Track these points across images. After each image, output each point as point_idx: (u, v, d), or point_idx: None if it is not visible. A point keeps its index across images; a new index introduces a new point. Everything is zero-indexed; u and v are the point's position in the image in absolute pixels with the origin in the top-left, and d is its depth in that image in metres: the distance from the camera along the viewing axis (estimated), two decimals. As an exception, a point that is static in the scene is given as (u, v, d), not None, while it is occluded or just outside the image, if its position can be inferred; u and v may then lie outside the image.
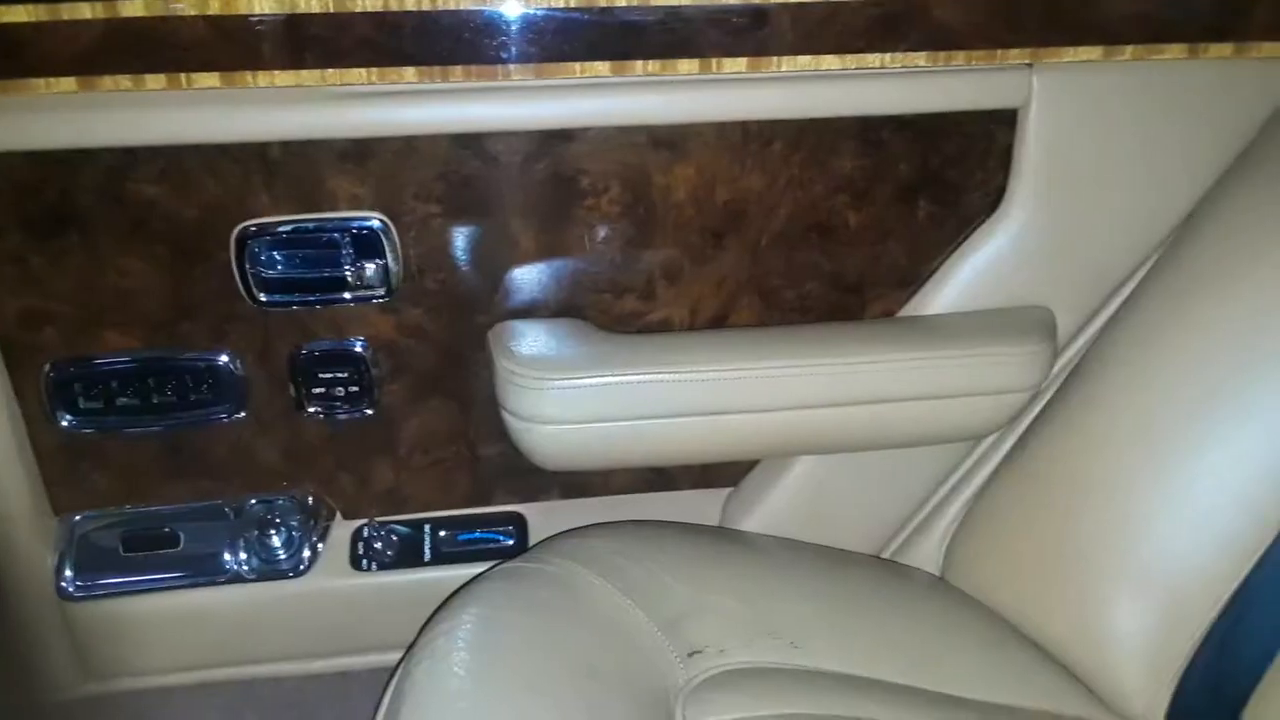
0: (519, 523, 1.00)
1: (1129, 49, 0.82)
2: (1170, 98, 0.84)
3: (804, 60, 0.80)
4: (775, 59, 0.80)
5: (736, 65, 0.79)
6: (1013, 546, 0.89)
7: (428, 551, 0.99)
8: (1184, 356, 0.80)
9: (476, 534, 0.99)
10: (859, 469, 0.95)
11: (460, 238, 0.86)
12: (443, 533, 0.99)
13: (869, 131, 0.85)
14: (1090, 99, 0.84)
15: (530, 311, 0.90)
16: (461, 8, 0.75)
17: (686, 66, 0.79)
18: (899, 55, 0.80)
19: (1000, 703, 0.79)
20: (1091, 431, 0.84)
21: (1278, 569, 0.73)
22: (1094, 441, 0.84)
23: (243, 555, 0.96)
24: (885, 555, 1.00)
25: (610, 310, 0.90)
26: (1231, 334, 0.77)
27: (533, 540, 1.00)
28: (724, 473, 1.00)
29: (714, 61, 0.79)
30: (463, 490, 0.99)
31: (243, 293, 0.85)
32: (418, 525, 1.00)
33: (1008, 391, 0.87)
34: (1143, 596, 0.79)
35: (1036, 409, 0.92)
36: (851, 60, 0.80)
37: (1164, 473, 0.79)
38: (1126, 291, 0.89)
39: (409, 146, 0.82)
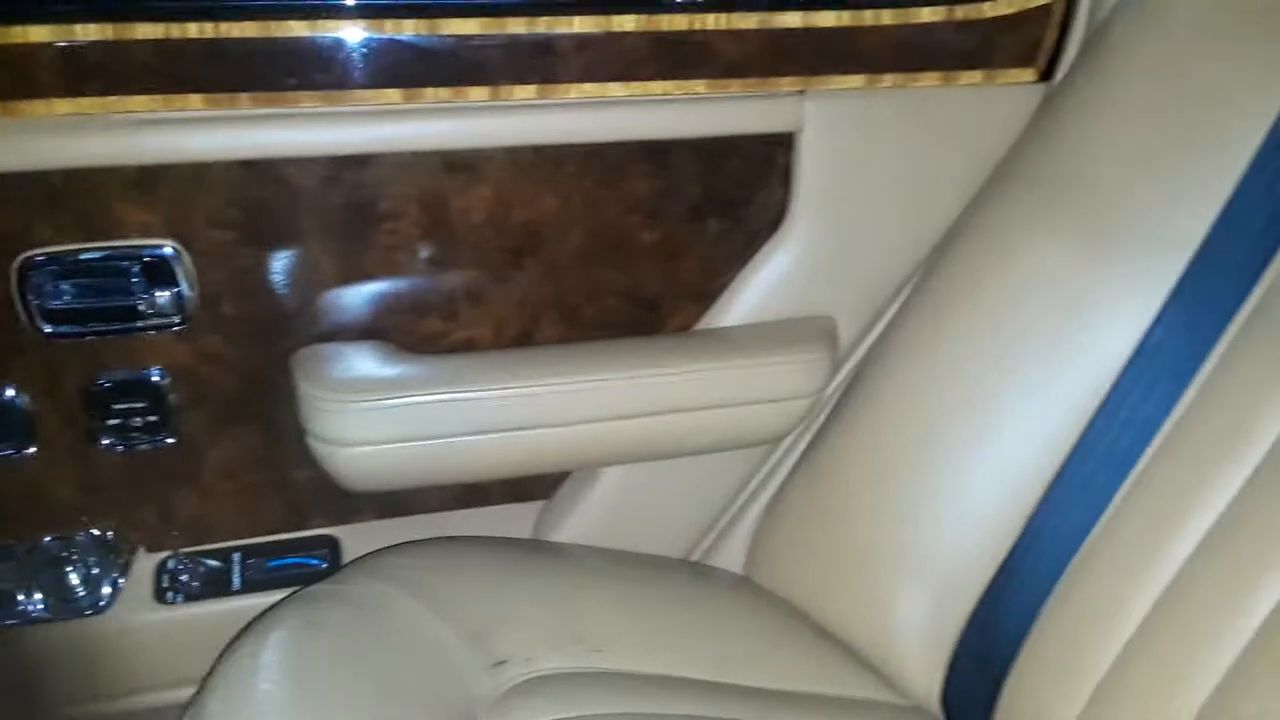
0: (332, 546, 1.00)
1: (889, 77, 0.89)
2: (929, 121, 0.92)
3: (590, 87, 0.84)
4: (563, 86, 0.83)
5: (526, 92, 0.82)
6: (807, 544, 0.95)
7: (237, 580, 0.97)
8: (945, 360, 0.87)
9: (288, 560, 0.99)
10: (663, 476, 0.99)
11: (258, 263, 0.86)
12: (253, 560, 0.98)
13: (657, 154, 0.90)
14: (858, 123, 0.91)
15: (334, 335, 0.90)
16: (247, 35, 0.76)
17: (477, 94, 0.82)
18: (681, 83, 0.85)
19: (797, 691, 0.84)
20: (870, 432, 0.91)
21: (1028, 554, 0.81)
22: (872, 442, 0.90)
23: (37, 595, 0.93)
24: (693, 558, 1.05)
25: (414, 331, 0.92)
26: (983, 339, 0.85)
27: (348, 562, 1.00)
28: (536, 486, 1.03)
29: (504, 89, 0.82)
30: (273, 516, 0.98)
31: (26, 325, 0.83)
32: (226, 554, 0.98)
33: (793, 398, 0.93)
34: (919, 584, 0.86)
35: (826, 412, 0.98)
36: (636, 88, 0.84)
37: (932, 468, 0.86)
38: (901, 300, 0.96)
39: (199, 173, 0.81)
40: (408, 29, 0.79)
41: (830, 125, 0.90)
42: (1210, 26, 0.79)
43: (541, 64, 0.82)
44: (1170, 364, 0.75)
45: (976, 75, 0.91)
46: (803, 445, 1.00)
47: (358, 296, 0.89)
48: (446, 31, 0.80)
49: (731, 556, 1.03)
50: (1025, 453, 0.82)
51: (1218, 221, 0.75)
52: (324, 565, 0.99)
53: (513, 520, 1.03)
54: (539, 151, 0.87)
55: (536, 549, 0.96)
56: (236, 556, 0.98)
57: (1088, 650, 0.73)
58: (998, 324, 0.84)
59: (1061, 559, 0.78)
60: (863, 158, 0.92)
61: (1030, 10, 0.89)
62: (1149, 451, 0.74)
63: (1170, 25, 0.81)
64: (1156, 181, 0.79)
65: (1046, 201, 0.85)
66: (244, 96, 0.77)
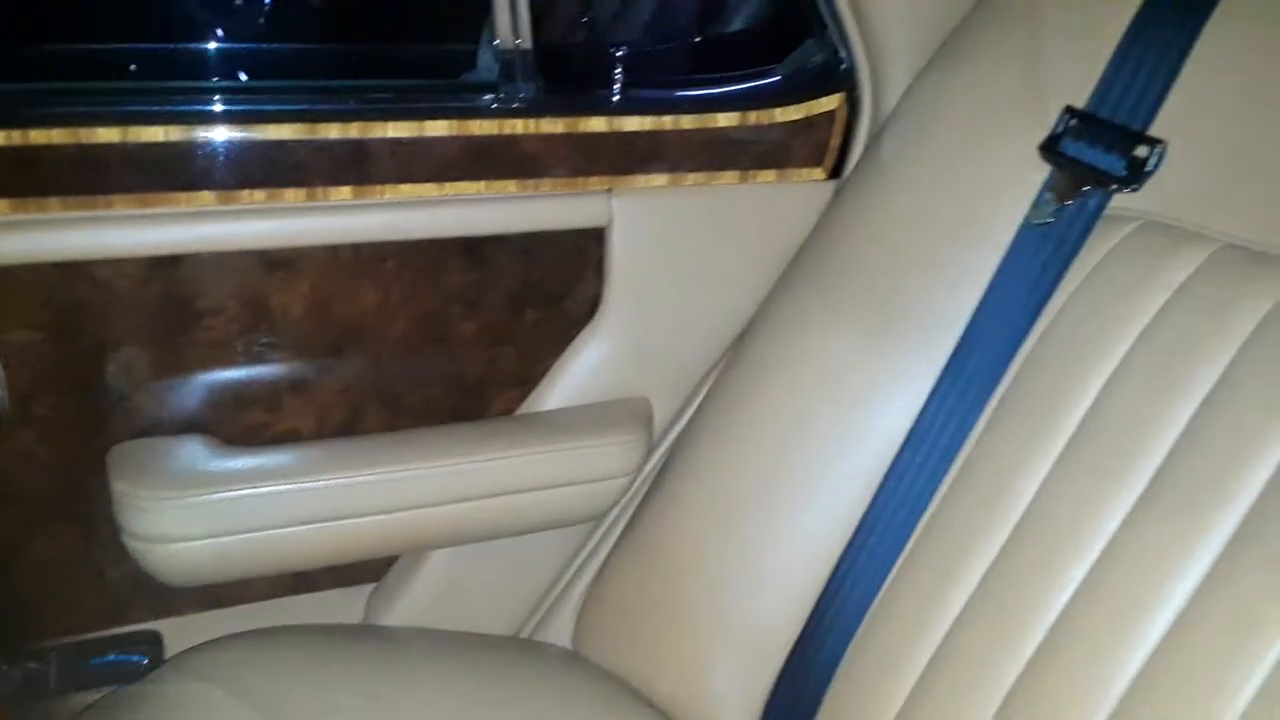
0: (155, 641, 0.99)
1: (691, 176, 0.96)
2: (730, 215, 0.99)
3: (405, 188, 0.87)
4: (379, 187, 0.87)
5: (342, 194, 0.86)
6: (630, 616, 0.99)
7: (54, 679, 0.96)
8: (748, 439, 0.93)
9: (109, 657, 0.97)
10: (491, 556, 1.02)
11: (71, 362, 0.86)
12: (72, 659, 0.96)
13: (474, 249, 0.94)
14: (664, 217, 0.97)
15: (152, 430, 0.90)
16: (54, 142, 0.77)
17: (293, 195, 0.85)
18: (492, 183, 0.90)
19: None
20: (683, 508, 0.96)
21: (826, 616, 0.87)
22: (686, 517, 0.95)
23: None
24: (523, 634, 1.08)
25: (236, 424, 0.93)
26: (781, 419, 0.91)
27: (169, 658, 0.99)
28: (365, 570, 1.04)
29: (320, 190, 0.85)
30: (93, 613, 0.97)
31: None
32: (43, 654, 0.96)
33: (610, 478, 0.98)
34: (731, 650, 0.91)
35: (645, 488, 1.03)
36: (449, 188, 0.89)
37: (739, 540, 0.91)
38: (710, 381, 1.02)
39: (6, 275, 0.81)
40: (223, 134, 0.82)
41: (638, 220, 0.96)
42: (971, 130, 0.88)
43: (357, 167, 0.85)
44: (939, 440, 0.83)
45: (771, 174, 0.98)
46: (625, 521, 1.04)
47: (176, 392, 0.90)
48: (262, 136, 0.83)
49: (560, 631, 1.06)
50: (821, 523, 0.88)
51: (979, 308, 0.83)
52: (145, 661, 0.98)
53: (343, 605, 1.04)
54: (358, 248, 0.90)
55: (362, 634, 0.98)
56: (53, 655, 0.97)
57: (875, 704, 0.79)
58: (793, 404, 0.91)
59: (854, 620, 0.84)
60: (670, 249, 0.98)
61: (817, 115, 0.98)
62: (922, 522, 0.82)
63: (937, 129, 0.90)
64: (926, 271, 0.87)
65: (833, 290, 0.92)
66: (53, 200, 0.79)
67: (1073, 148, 0.80)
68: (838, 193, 0.99)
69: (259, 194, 0.84)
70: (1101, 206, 0.79)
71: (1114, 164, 0.78)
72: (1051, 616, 0.71)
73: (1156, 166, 0.76)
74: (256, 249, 0.87)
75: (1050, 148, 0.81)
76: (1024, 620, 0.72)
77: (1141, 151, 0.77)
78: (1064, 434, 0.75)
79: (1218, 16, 0.77)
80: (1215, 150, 0.75)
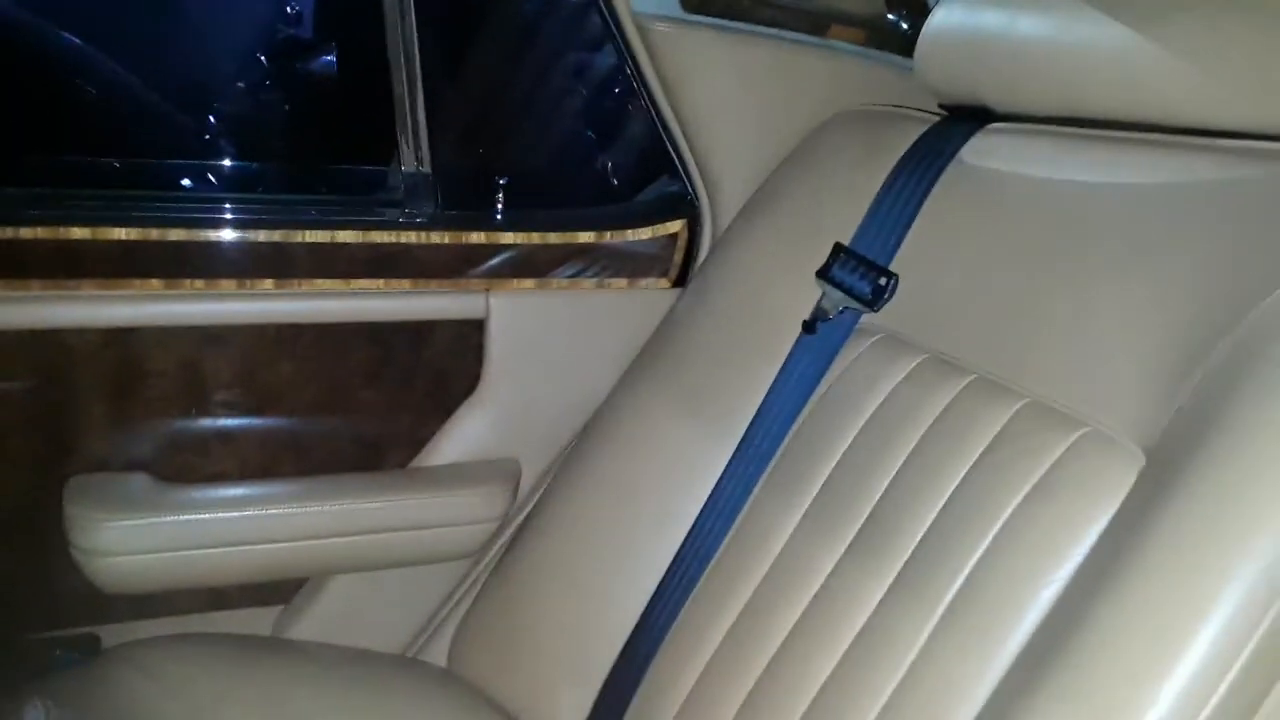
0: (94, 641, 1.18)
1: (556, 282, 1.18)
2: (589, 315, 1.21)
3: (319, 282, 1.10)
4: (297, 281, 1.09)
5: (266, 285, 1.08)
6: (495, 641, 1.19)
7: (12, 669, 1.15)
8: (593, 496, 1.14)
9: (57, 652, 1.17)
10: (381, 583, 1.22)
11: (41, 409, 1.08)
12: (25, 652, 1.16)
13: (375, 332, 1.16)
14: (534, 314, 1.19)
15: (102, 466, 1.11)
16: (38, 238, 1.00)
17: (226, 284, 1.07)
18: (390, 280, 1.12)
19: None
20: (542, 551, 1.16)
21: (637, 640, 1.06)
22: (540, 559, 1.16)
23: None
24: (409, 654, 1.27)
25: (172, 464, 1.14)
26: (619, 480, 1.12)
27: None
28: (276, 592, 1.24)
29: (249, 281, 1.07)
30: (44, 616, 1.17)
31: None
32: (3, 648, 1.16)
33: (478, 522, 1.18)
34: (570, 669, 1.10)
35: (512, 530, 1.24)
36: (354, 284, 1.11)
37: (580, 580, 1.11)
38: (571, 448, 1.23)
39: None
40: (173, 235, 1.04)
41: (511, 315, 1.18)
42: (770, 257, 1.10)
43: (279, 264, 1.08)
44: (727, 505, 1.03)
45: (623, 283, 1.21)
46: (496, 556, 1.25)
47: (124, 437, 1.12)
48: (203, 238, 1.05)
49: (440, 652, 1.26)
50: (640, 569, 1.08)
51: (765, 398, 1.04)
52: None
53: (255, 621, 1.24)
54: (279, 328, 1.12)
55: (267, 644, 1.18)
56: (11, 650, 1.16)
57: (663, 709, 0.98)
58: (626, 472, 1.12)
59: (656, 645, 1.03)
60: (538, 340, 1.20)
61: (663, 236, 1.21)
62: (709, 569, 1.02)
63: (747, 255, 1.12)
64: (731, 368, 1.08)
65: (665, 380, 1.14)
66: (34, 282, 1.01)
67: (838, 275, 1.02)
68: (680, 298, 1.21)
69: (199, 283, 1.06)
70: (854, 322, 1.01)
71: (864, 290, 1.00)
72: (774, 647, 0.90)
73: (891, 294, 0.98)
74: (195, 325, 1.09)
75: (823, 274, 1.03)
76: (758, 648, 0.92)
77: (883, 281, 0.98)
78: (807, 498, 0.95)
79: (943, 180, 1.00)
80: (932, 282, 0.97)
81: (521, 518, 1.24)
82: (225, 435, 1.15)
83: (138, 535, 1.06)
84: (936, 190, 0.99)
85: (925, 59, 1.00)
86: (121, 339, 1.07)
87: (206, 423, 1.14)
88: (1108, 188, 0.85)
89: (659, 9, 1.12)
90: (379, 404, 1.19)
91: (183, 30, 1.47)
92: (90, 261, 1.02)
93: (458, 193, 1.16)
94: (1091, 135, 0.89)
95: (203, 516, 1.07)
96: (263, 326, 1.12)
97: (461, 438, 1.21)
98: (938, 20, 0.99)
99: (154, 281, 1.04)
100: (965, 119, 1.01)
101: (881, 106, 1.11)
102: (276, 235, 1.07)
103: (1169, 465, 0.68)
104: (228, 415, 1.14)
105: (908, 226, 1.00)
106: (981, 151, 0.98)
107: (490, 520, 1.19)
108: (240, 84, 1.37)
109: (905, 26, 1.20)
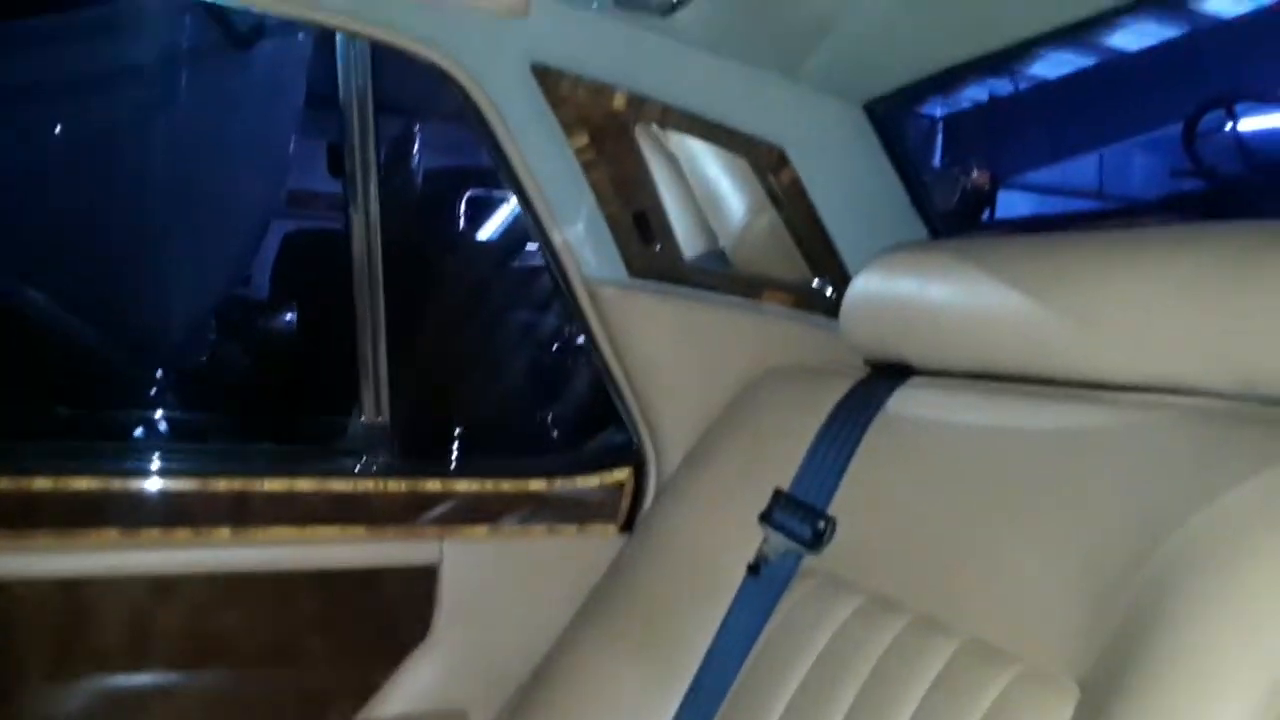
0: None
1: (508, 529, 1.22)
2: (540, 560, 1.24)
3: (275, 531, 1.12)
4: (253, 530, 1.11)
5: (221, 535, 1.10)
6: None
7: None
8: None
9: None
10: None
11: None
12: None
13: (327, 579, 1.17)
14: (486, 560, 1.22)
15: (37, 724, 1.08)
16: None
17: (182, 534, 1.08)
18: (345, 528, 1.15)
19: None
20: None
21: None
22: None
23: None
24: None
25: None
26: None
27: None
28: None
29: (204, 531, 1.09)
30: None
31: None
32: None
33: None
34: None
35: None
36: (309, 532, 1.13)
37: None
38: (523, 694, 1.22)
39: None
40: (131, 484, 1.07)
41: (464, 561, 1.20)
42: (713, 503, 1.15)
43: (236, 513, 1.10)
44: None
45: (573, 529, 1.25)
46: None
47: (63, 692, 1.09)
48: (163, 487, 1.08)
49: None
50: None
51: (714, 639, 1.06)
52: None
53: None
54: (230, 576, 1.13)
55: None
56: None
57: None
58: (580, 714, 1.11)
59: None
60: (490, 586, 1.22)
61: (611, 483, 1.26)
62: None
63: (691, 503, 1.17)
64: (680, 611, 1.10)
65: (614, 625, 1.15)
66: (-11, 534, 1.02)
67: (780, 519, 1.07)
68: (627, 544, 1.25)
69: (154, 532, 1.07)
70: (797, 565, 1.05)
71: (805, 533, 1.05)
72: None
73: (831, 537, 1.03)
74: (148, 575, 1.09)
75: (765, 519, 1.08)
76: None
77: (822, 525, 1.03)
78: None
79: (872, 430, 1.07)
80: (869, 525, 1.02)
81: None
82: (166, 691, 1.12)
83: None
84: (867, 439, 1.07)
85: (849, 321, 1.10)
86: (73, 589, 1.07)
87: (148, 678, 1.12)
88: (1021, 435, 0.93)
89: (607, 274, 1.22)
90: (327, 652, 1.18)
91: (145, 281, 1.55)
92: (48, 511, 1.03)
93: (415, 441, 1.21)
94: (1004, 388, 0.98)
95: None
96: (215, 575, 1.12)
97: (410, 687, 1.20)
98: (859, 287, 1.10)
99: (110, 532, 1.06)
100: (889, 374, 1.10)
101: (811, 365, 1.20)
102: (237, 484, 1.10)
103: (1102, 698, 0.71)
104: (170, 669, 1.12)
105: (842, 473, 1.07)
106: (906, 403, 1.06)
107: (436, 777, 1.16)
108: (211, 336, 1.43)
109: (830, 291, 1.32)
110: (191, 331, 1.48)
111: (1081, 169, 7.04)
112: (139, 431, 1.21)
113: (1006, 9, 1.07)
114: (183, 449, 1.16)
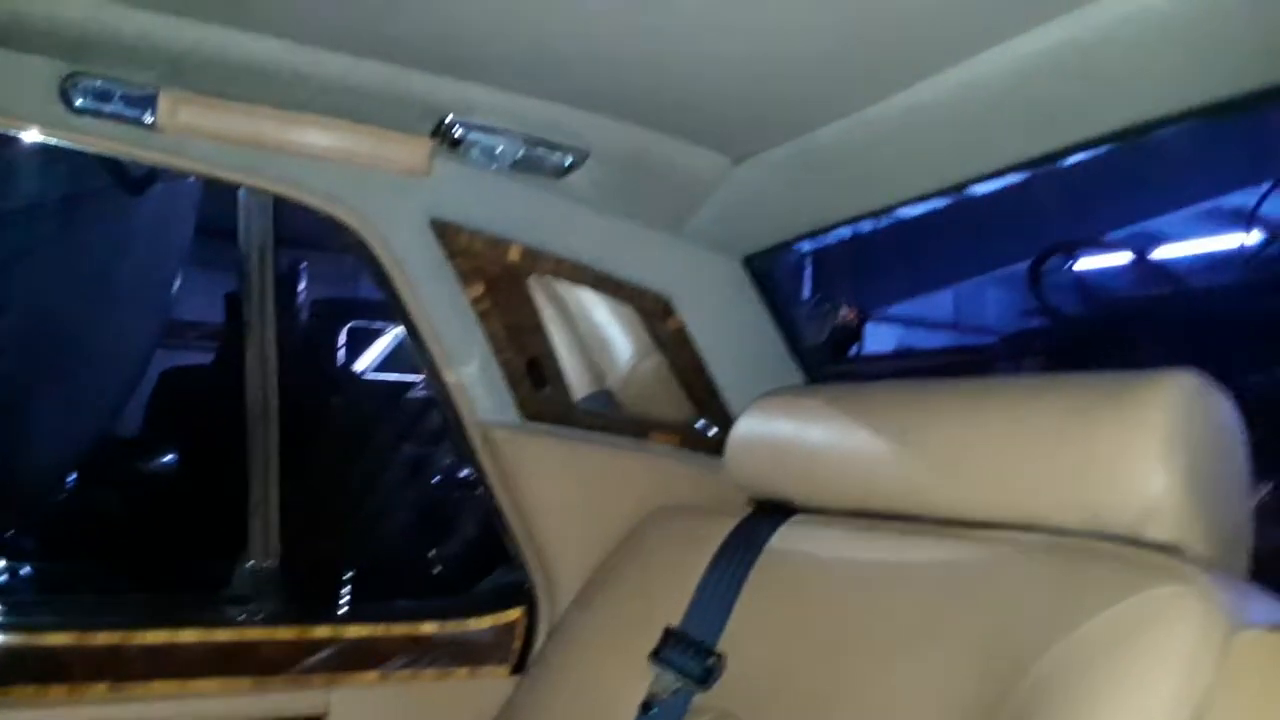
0: None
1: (399, 673, 1.20)
2: (431, 706, 1.23)
3: (155, 685, 1.08)
4: (131, 685, 1.07)
5: (98, 691, 1.06)
6: None
7: None
8: None
9: None
10: None
11: None
12: None
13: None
14: (375, 707, 1.20)
15: None
16: None
17: (57, 691, 1.04)
18: (228, 680, 1.12)
19: None
20: None
21: None
22: None
23: None
24: None
25: None
26: None
27: None
28: None
29: (80, 687, 1.05)
30: None
31: None
32: None
33: None
34: None
35: None
36: (192, 685, 1.10)
37: None
38: None
39: None
40: (3, 636, 1.02)
41: (352, 709, 1.18)
42: (604, 643, 1.16)
43: (114, 667, 1.06)
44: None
45: (464, 671, 1.24)
46: None
47: None
48: (34, 643, 1.03)
49: None
50: None
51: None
52: None
53: None
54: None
55: None
56: None
57: None
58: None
59: None
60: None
61: (502, 624, 1.26)
62: None
63: (582, 643, 1.19)
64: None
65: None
66: None
67: (670, 657, 1.09)
68: (519, 684, 1.25)
69: (28, 689, 1.03)
70: (688, 702, 1.07)
71: (696, 670, 1.07)
72: None
73: (720, 674, 1.06)
74: None
75: (656, 656, 1.10)
76: None
77: (711, 661, 1.06)
78: None
79: (757, 566, 1.11)
80: (757, 660, 1.05)
81: None
82: None
83: None
84: (752, 576, 1.11)
85: (733, 461, 1.16)
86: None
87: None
88: (896, 571, 0.99)
89: (500, 417, 1.26)
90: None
91: (7, 426, 1.50)
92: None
93: (305, 585, 1.20)
94: (880, 526, 1.04)
95: None
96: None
97: None
98: (741, 429, 1.16)
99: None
100: (772, 511, 1.15)
101: (698, 503, 1.25)
102: (115, 637, 1.06)
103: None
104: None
105: (730, 609, 1.10)
106: (788, 540, 1.11)
107: None
108: (85, 480, 1.40)
109: (714, 431, 1.38)
110: (61, 475, 1.44)
111: (939, 303, 7.48)
112: (2, 579, 1.17)
113: (873, 183, 1.17)
114: (55, 600, 1.12)
